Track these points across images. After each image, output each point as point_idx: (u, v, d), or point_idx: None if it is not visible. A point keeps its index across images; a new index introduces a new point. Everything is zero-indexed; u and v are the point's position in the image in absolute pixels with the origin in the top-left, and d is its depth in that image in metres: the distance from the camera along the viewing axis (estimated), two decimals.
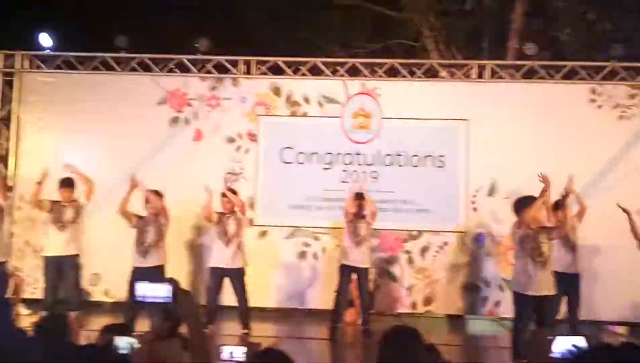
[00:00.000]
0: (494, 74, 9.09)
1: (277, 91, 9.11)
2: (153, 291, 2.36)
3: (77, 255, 7.73)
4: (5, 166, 9.18)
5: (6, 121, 9.29)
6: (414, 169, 8.91)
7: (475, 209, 8.80)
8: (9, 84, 9.31)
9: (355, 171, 8.97)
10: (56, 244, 7.64)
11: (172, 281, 2.43)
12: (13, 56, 9.35)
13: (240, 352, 2.86)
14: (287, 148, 9.06)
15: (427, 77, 9.21)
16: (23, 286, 8.57)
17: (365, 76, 9.16)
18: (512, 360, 6.32)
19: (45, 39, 9.32)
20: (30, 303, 8.23)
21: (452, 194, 8.84)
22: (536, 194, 6.45)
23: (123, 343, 2.87)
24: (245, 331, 7.29)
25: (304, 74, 9.18)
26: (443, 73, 9.34)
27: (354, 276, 7.68)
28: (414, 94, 9.01)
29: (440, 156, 8.89)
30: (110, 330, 3.21)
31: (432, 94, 9.00)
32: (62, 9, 12.03)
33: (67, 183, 7.70)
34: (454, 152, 8.89)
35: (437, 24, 13.05)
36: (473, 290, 8.73)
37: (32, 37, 9.42)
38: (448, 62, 10.10)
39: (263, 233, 8.88)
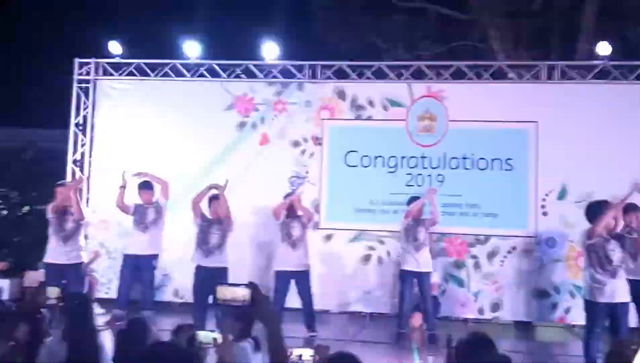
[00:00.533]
0: (563, 75, 8.86)
1: (341, 95, 9.15)
2: (232, 294, 2.42)
3: (156, 255, 7.93)
4: (81, 170, 9.54)
5: (82, 126, 9.66)
6: (481, 173, 8.77)
7: (545, 213, 8.59)
8: (84, 91, 9.68)
9: (420, 174, 8.91)
10: (136, 244, 7.87)
11: (251, 285, 2.48)
12: (88, 63, 9.72)
13: (308, 355, 2.89)
14: (351, 151, 9.08)
15: (495, 79, 9.07)
16: (97, 286, 8.86)
17: (431, 78, 9.09)
18: None
19: (116, 47, 9.64)
20: (103, 302, 8.50)
21: (521, 198, 8.66)
22: (608, 198, 6.25)
23: (206, 338, 2.94)
24: (312, 333, 7.33)
25: (368, 78, 9.20)
26: (511, 75, 9.16)
27: (415, 281, 7.61)
28: (481, 97, 8.88)
29: (509, 159, 8.73)
30: (182, 330, 3.31)
31: (499, 96, 8.85)
32: (134, 17, 12.42)
33: (146, 186, 7.93)
34: (522, 155, 8.70)
35: (504, 24, 12.80)
36: (542, 296, 8.52)
37: (105, 46, 9.76)
38: (516, 63, 9.88)
39: (328, 237, 8.92)
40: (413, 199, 7.80)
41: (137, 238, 7.85)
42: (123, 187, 7.88)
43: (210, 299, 7.13)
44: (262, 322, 2.43)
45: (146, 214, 7.85)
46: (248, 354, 3.47)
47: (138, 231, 7.85)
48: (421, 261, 7.58)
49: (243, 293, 2.43)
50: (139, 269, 7.82)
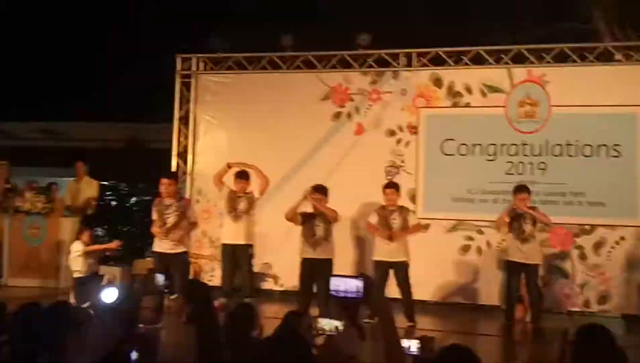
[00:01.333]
0: None
1: (438, 82, 9.02)
2: (346, 285, 2.45)
3: (250, 245, 8.12)
4: (185, 162, 9.91)
5: (184, 120, 10.02)
6: (586, 160, 8.43)
7: None
8: (186, 85, 10.03)
9: (521, 162, 8.65)
10: (230, 233, 8.09)
11: (364, 276, 2.52)
12: (190, 58, 10.06)
13: (414, 345, 2.89)
14: (448, 139, 8.94)
15: (601, 62, 8.65)
16: (201, 273, 9.19)
17: (532, 62, 8.79)
18: None
19: (218, 42, 9.91)
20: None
21: (630, 186, 8.26)
22: None
23: (328, 325, 3.00)
24: (411, 324, 7.29)
25: (466, 64, 9.01)
26: (618, 56, 8.71)
27: (522, 273, 7.41)
28: (586, 80, 8.51)
29: (616, 145, 8.34)
30: (292, 317, 3.39)
31: (605, 79, 8.45)
32: (232, 12, 12.72)
33: (243, 175, 8.10)
34: (631, 140, 8.30)
35: (611, 3, 12.16)
36: None
37: (205, 41, 10.07)
38: (623, 45, 9.38)
39: (425, 226, 8.81)
40: (519, 188, 7.55)
41: (230, 227, 8.04)
42: (229, 166, 8.12)
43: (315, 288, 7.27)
44: (376, 312, 2.45)
45: (238, 203, 8.03)
46: (354, 341, 3.51)
47: (230, 219, 8.04)
48: (528, 253, 7.35)
49: (357, 284, 2.46)
50: (236, 258, 8.02)
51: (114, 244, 8.61)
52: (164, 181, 7.79)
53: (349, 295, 2.46)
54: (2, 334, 3.44)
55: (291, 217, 7.59)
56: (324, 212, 7.47)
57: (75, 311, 2.84)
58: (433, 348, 3.03)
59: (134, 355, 2.89)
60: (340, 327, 3.22)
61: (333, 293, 2.49)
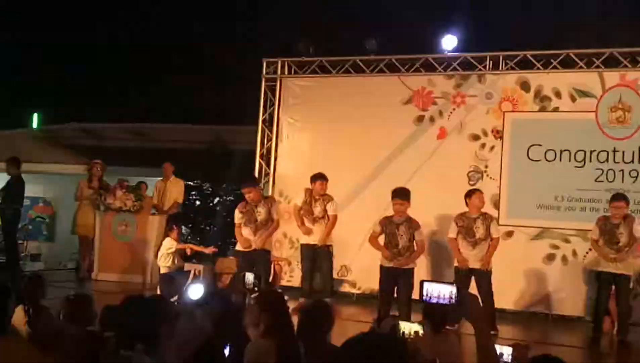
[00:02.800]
0: None
1: (525, 86, 8.82)
2: (438, 292, 2.46)
3: (329, 246, 8.16)
4: (268, 164, 10.10)
5: (268, 123, 10.20)
6: None
7: None
8: (271, 88, 10.21)
9: (611, 169, 8.34)
10: (310, 235, 8.17)
11: (456, 284, 2.52)
12: (275, 62, 10.24)
13: (507, 353, 2.86)
14: (535, 145, 8.72)
15: None
16: (281, 274, 9.32)
17: (625, 66, 8.47)
18: None
19: (301, 46, 10.03)
20: (287, 289, 8.93)
21: None
22: None
23: (409, 328, 3.03)
24: (493, 332, 7.15)
25: (555, 67, 8.77)
26: None
27: (612, 284, 7.13)
28: None
29: None
30: (385, 321, 3.42)
31: None
32: (318, 16, 12.87)
33: (320, 177, 8.11)
34: None
35: None
36: None
37: (290, 45, 10.22)
38: None
39: (509, 234, 8.64)
40: (617, 196, 7.27)
41: (310, 227, 8.11)
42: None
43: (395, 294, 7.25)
44: (470, 320, 2.44)
45: (314, 206, 8.06)
46: (455, 347, 3.51)
47: (308, 221, 8.11)
48: (621, 263, 7.07)
49: (450, 291, 2.46)
50: (315, 259, 8.08)
51: (210, 249, 8.89)
52: (245, 190, 7.93)
53: (442, 301, 2.46)
54: (92, 325, 3.63)
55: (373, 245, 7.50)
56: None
57: (169, 305, 2.95)
58: (527, 355, 2.97)
59: (227, 351, 2.98)
60: (420, 331, 3.23)
61: (425, 299, 2.50)
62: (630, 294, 7.43)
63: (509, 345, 2.94)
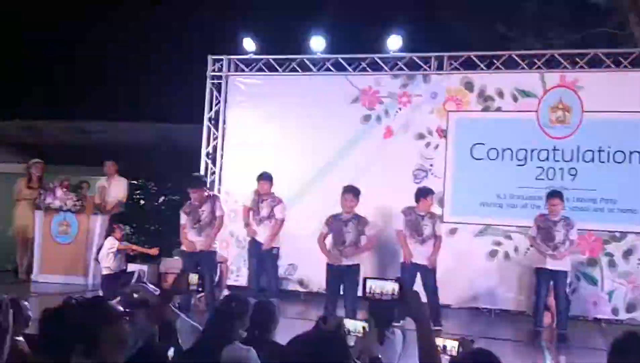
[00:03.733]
0: None
1: (469, 86, 8.98)
2: (381, 288, 2.47)
3: (274, 248, 8.10)
4: (214, 162, 9.99)
5: (214, 121, 10.10)
6: (617, 166, 8.33)
7: None
8: (216, 87, 10.11)
9: (551, 168, 8.57)
10: (258, 234, 8.11)
11: (399, 280, 2.53)
12: (220, 60, 10.14)
13: (451, 345, 2.89)
14: (478, 144, 8.89)
15: (635, 67, 8.54)
16: (228, 274, 9.24)
17: (565, 67, 8.71)
18: None
19: (250, 44, 9.98)
20: (234, 289, 8.86)
21: None
22: None
23: (354, 326, 3.03)
24: (437, 327, 7.26)
25: (497, 68, 8.95)
26: None
27: (551, 280, 7.34)
28: (619, 86, 8.42)
29: None
30: (329, 320, 3.41)
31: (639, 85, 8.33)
32: (263, 14, 12.80)
33: (265, 177, 8.07)
34: None
35: None
36: None
37: (237, 43, 10.14)
38: None
39: (453, 231, 8.79)
40: (552, 193, 7.48)
41: (255, 228, 8.06)
42: None
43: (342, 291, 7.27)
44: (411, 316, 2.46)
45: (261, 207, 8.00)
46: (395, 345, 3.53)
47: (254, 222, 8.05)
48: (558, 260, 7.27)
49: (392, 287, 2.48)
50: (262, 259, 8.04)
51: (153, 251, 8.74)
52: (190, 191, 7.84)
53: (385, 298, 2.48)
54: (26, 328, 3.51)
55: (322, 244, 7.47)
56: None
57: (110, 307, 2.87)
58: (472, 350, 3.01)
59: (171, 352, 2.92)
60: (366, 328, 3.25)
61: (368, 295, 2.51)
62: (568, 289, 7.67)
63: (455, 340, 2.97)
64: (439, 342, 2.88)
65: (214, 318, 3.78)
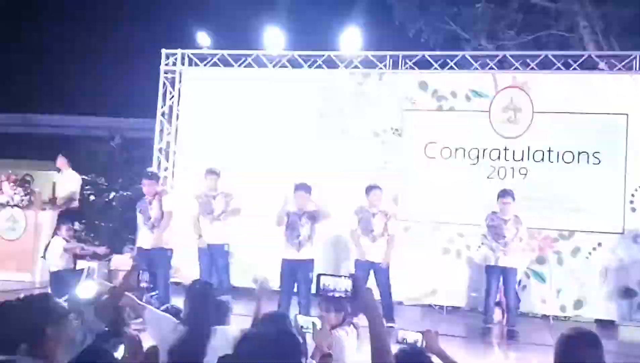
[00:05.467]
0: None
1: (423, 85, 9.06)
2: (334, 284, 2.47)
3: (224, 244, 8.05)
4: (167, 158, 9.85)
5: (167, 116, 9.95)
6: (566, 166, 8.52)
7: (633, 209, 8.29)
8: (170, 81, 9.96)
9: (502, 167, 8.72)
10: (207, 234, 8.00)
11: (352, 276, 2.53)
12: (174, 54, 10.00)
13: (416, 339, 2.90)
14: (431, 142, 8.98)
15: (584, 70, 8.76)
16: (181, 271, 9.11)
17: (517, 68, 8.87)
18: None
19: (204, 38, 9.87)
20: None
21: (609, 193, 8.36)
22: None
23: (306, 323, 3.01)
24: (390, 324, 7.31)
25: (451, 68, 9.06)
26: (601, 65, 8.83)
27: (501, 277, 7.48)
28: (569, 87, 8.62)
29: (596, 152, 8.44)
30: (271, 318, 3.39)
31: (588, 87, 8.56)
32: (218, 8, 12.68)
33: (212, 171, 7.97)
34: (611, 148, 8.40)
35: (595, 13, 12.29)
36: (628, 295, 8.21)
37: (192, 37, 10.02)
38: (607, 54, 9.52)
39: (407, 228, 8.86)
40: (503, 192, 7.61)
41: (206, 227, 7.96)
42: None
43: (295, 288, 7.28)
44: (364, 312, 2.47)
45: (212, 204, 7.92)
46: (343, 342, 3.53)
47: (206, 220, 7.94)
48: (508, 257, 7.41)
49: (346, 284, 2.48)
50: (213, 257, 7.96)
51: (102, 250, 8.56)
52: (146, 181, 7.72)
53: (338, 294, 2.48)
54: None
55: (281, 221, 7.49)
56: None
57: (56, 305, 2.80)
58: (437, 341, 3.02)
59: (118, 351, 2.87)
60: (318, 325, 3.25)
61: (322, 292, 2.50)
62: (517, 286, 7.83)
63: (419, 332, 2.98)
64: (400, 334, 2.89)
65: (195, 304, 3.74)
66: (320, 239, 8.15)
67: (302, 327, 3.16)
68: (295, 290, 7.38)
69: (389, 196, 8.46)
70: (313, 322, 3.16)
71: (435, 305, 8.87)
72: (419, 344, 2.91)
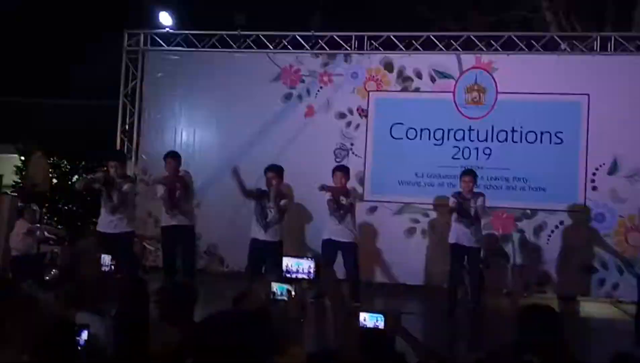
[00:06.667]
0: (617, 47, 8.60)
1: (389, 67, 9.07)
2: (298, 266, 2.47)
3: (191, 226, 7.98)
4: (130, 140, 9.71)
5: (130, 97, 9.80)
6: (529, 146, 8.64)
7: (594, 188, 8.44)
8: (133, 62, 9.79)
9: (467, 147, 8.80)
10: (169, 216, 7.90)
11: (315, 258, 2.53)
12: (137, 35, 9.82)
13: (377, 318, 2.90)
14: (397, 123, 9.01)
15: (546, 51, 8.86)
16: (147, 254, 9.05)
17: (481, 49, 8.93)
18: (637, 345, 6.04)
19: (167, 18, 9.72)
20: (152, 271, 8.68)
21: (570, 172, 8.51)
22: None
23: (281, 289, 2.95)
24: (356, 304, 7.36)
25: (416, 49, 9.08)
26: (563, 46, 8.94)
27: (465, 256, 7.58)
28: (532, 68, 8.72)
29: (558, 132, 8.57)
30: (239, 299, 3.37)
31: (550, 68, 8.66)
32: None
33: (173, 154, 7.79)
34: (573, 128, 8.53)
35: None
36: (590, 271, 8.39)
37: (153, 17, 9.84)
38: (569, 35, 9.64)
39: (373, 209, 8.91)
40: (465, 172, 7.69)
41: (170, 211, 7.85)
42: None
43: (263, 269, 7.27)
44: (327, 292, 2.47)
45: (174, 187, 7.80)
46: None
47: (167, 204, 7.82)
48: (471, 236, 7.50)
49: (309, 265, 2.48)
50: (177, 240, 7.87)
51: (61, 232, 8.42)
52: (112, 163, 7.57)
53: (301, 276, 2.48)
54: None
55: (249, 194, 7.47)
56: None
57: (15, 290, 2.75)
58: (400, 321, 3.02)
59: (84, 336, 2.82)
60: (293, 292, 3.18)
61: (285, 274, 2.50)
62: (481, 265, 7.95)
63: (380, 312, 2.98)
64: (362, 316, 2.88)
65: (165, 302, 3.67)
66: (287, 220, 8.18)
67: (275, 293, 3.10)
68: (263, 271, 7.36)
69: (354, 177, 8.47)
70: (287, 289, 3.12)
71: (402, 284, 8.95)
72: (380, 325, 2.91)
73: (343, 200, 7.53)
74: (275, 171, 7.42)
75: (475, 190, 7.60)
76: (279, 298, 3.11)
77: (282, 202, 7.38)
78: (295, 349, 2.61)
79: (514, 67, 8.76)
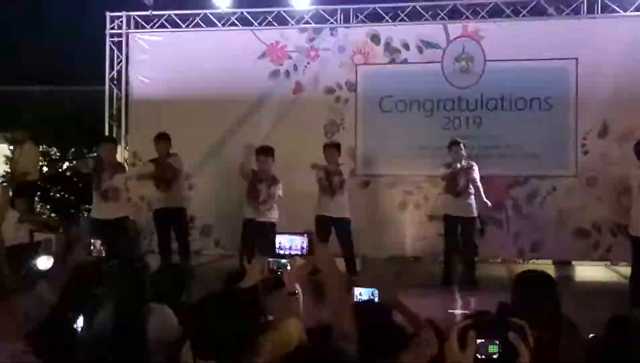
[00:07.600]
0: (604, 9, 8.55)
1: (375, 39, 8.99)
2: (291, 243, 2.46)
3: (182, 208, 7.97)
4: (119, 125, 9.64)
5: (116, 81, 9.70)
6: (519, 113, 8.61)
7: (585, 152, 8.45)
8: (117, 45, 9.68)
9: (457, 117, 8.77)
10: (160, 198, 7.91)
11: (308, 234, 2.52)
12: (119, 17, 9.69)
13: (371, 292, 2.90)
14: (386, 96, 8.96)
15: (533, 16, 8.80)
16: (141, 238, 9.03)
17: (467, 18, 8.86)
18: (633, 307, 6.09)
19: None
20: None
21: (561, 138, 8.51)
22: None
23: (276, 264, 2.94)
24: (354, 277, 7.39)
25: (402, 20, 9.00)
26: (550, 10, 8.88)
27: (458, 225, 7.60)
28: (519, 35, 8.65)
29: (548, 98, 8.54)
30: (233, 279, 3.36)
31: (538, 34, 8.62)
32: None
33: (162, 136, 7.77)
34: (562, 93, 8.51)
35: None
36: (583, 235, 8.44)
37: None
38: None
39: (365, 183, 8.91)
40: (452, 142, 7.68)
41: (161, 193, 7.84)
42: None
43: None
44: (321, 268, 2.46)
45: (164, 169, 7.80)
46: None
47: (161, 185, 7.81)
48: (463, 206, 7.52)
49: (302, 241, 2.46)
50: (170, 223, 7.87)
51: (52, 221, 8.39)
52: (106, 146, 7.54)
53: (294, 252, 2.47)
54: None
55: (245, 174, 7.46)
56: None
57: (8, 279, 2.73)
58: (396, 296, 3.02)
59: (79, 322, 2.81)
60: (288, 266, 3.18)
61: (278, 251, 2.49)
62: (476, 234, 7.98)
63: (374, 286, 2.98)
64: (357, 290, 2.88)
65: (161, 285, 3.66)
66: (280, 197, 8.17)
67: (274, 269, 3.09)
68: (256, 251, 7.36)
69: (345, 152, 8.45)
70: (284, 263, 3.11)
71: (397, 257, 8.98)
72: (376, 299, 2.91)
73: (335, 178, 7.53)
74: (266, 152, 7.41)
75: (464, 161, 7.60)
76: (280, 271, 3.10)
77: (273, 188, 7.37)
78: (292, 322, 2.61)
79: (501, 34, 8.69)
